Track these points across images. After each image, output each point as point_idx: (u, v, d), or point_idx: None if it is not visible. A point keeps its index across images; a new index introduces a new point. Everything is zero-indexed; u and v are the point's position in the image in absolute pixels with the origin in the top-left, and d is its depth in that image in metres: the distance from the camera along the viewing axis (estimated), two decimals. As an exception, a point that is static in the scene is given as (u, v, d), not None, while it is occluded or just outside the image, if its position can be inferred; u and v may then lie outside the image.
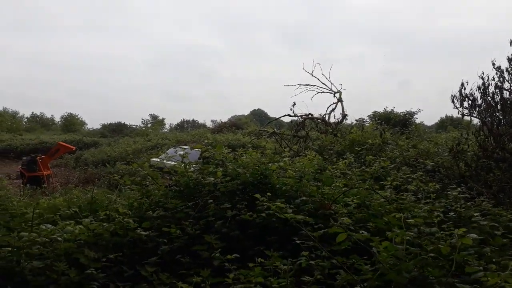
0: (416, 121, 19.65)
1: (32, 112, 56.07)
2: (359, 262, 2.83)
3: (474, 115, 9.56)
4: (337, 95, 14.85)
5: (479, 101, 8.61)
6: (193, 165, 5.64)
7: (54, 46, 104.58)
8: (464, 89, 8.12)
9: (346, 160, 6.62)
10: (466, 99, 8.24)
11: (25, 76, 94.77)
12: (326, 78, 15.58)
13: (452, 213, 4.49)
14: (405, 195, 4.88)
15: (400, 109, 20.04)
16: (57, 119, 56.12)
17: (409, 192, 5.13)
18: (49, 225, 4.12)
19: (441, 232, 3.54)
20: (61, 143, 18.78)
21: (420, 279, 2.37)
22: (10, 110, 51.94)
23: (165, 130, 51.02)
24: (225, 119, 48.43)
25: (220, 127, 36.89)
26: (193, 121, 58.51)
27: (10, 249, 3.70)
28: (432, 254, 2.91)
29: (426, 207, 4.24)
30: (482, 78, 8.11)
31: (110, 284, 3.62)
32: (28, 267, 3.59)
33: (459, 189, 5.35)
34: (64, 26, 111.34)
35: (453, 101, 9.35)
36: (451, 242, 2.71)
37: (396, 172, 6.47)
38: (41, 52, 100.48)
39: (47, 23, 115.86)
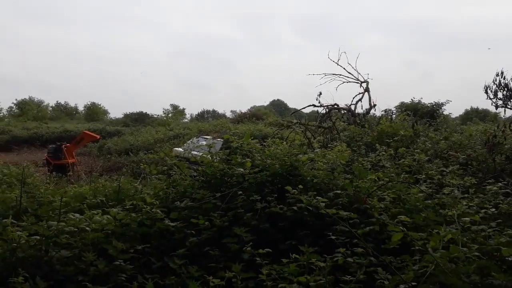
0: (444, 113, 19.04)
1: (57, 101, 57.16)
2: (409, 262, 2.63)
3: (509, 107, 9.14)
4: (364, 84, 14.44)
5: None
6: (219, 155, 5.52)
7: (75, 36, 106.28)
8: (504, 78, 7.73)
9: (384, 153, 6.34)
10: (504, 89, 7.85)
11: (49, 66, 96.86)
12: (352, 67, 15.16)
13: (493, 209, 4.24)
14: (449, 189, 4.62)
15: (423, 100, 19.43)
16: (81, 108, 57.05)
17: (450, 186, 4.87)
18: (77, 215, 4.06)
19: (488, 230, 3.31)
20: (85, 131, 18.98)
21: (483, 284, 2.16)
22: (36, 99, 53.05)
23: (186, 120, 51.23)
24: (244, 109, 48.32)
25: (240, 118, 36.81)
26: (213, 111, 58.61)
27: (39, 237, 3.65)
28: (477, 253, 2.70)
29: (471, 203, 3.98)
30: (522, 68, 7.70)
31: (138, 276, 3.52)
32: (56, 257, 3.54)
33: (500, 184, 5.07)
34: (86, 17, 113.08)
35: (486, 92, 8.96)
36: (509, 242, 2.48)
37: (430, 165, 6.19)
38: (63, 42, 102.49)
39: (70, 13, 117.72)
